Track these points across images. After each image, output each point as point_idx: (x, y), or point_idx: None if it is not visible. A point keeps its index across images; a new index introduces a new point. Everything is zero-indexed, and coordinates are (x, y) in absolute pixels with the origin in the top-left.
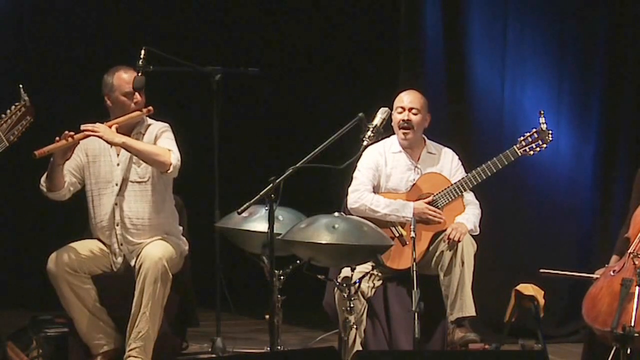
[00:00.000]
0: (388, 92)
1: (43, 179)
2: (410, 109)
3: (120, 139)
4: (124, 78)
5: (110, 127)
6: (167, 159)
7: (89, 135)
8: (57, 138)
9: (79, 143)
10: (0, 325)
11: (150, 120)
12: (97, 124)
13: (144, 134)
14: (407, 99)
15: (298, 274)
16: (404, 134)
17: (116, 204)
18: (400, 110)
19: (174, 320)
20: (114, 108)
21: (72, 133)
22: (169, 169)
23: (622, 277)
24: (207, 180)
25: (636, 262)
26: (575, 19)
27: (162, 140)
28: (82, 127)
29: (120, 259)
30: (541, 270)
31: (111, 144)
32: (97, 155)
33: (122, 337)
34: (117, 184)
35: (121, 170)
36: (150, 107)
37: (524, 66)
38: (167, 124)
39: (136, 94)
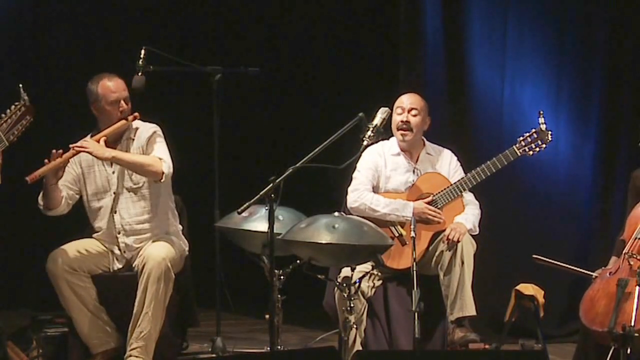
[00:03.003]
0: (388, 92)
1: (40, 198)
2: (409, 110)
3: (110, 153)
4: (108, 86)
5: (98, 140)
6: (159, 168)
7: (78, 152)
8: (46, 160)
9: (68, 162)
10: (0, 325)
11: (138, 123)
12: (86, 140)
13: (133, 139)
14: (407, 100)
15: (298, 274)
16: (402, 135)
17: (115, 212)
18: (399, 111)
19: (174, 320)
20: (100, 117)
21: (60, 152)
22: (161, 178)
23: (617, 278)
24: (207, 180)
25: (631, 263)
26: (574, 19)
27: (153, 147)
28: (71, 146)
29: (121, 265)
30: (534, 256)
31: (101, 159)
32: (91, 165)
33: (122, 337)
34: (114, 193)
35: (117, 179)
36: (137, 114)
37: (523, 66)
38: (156, 126)
39: (122, 102)
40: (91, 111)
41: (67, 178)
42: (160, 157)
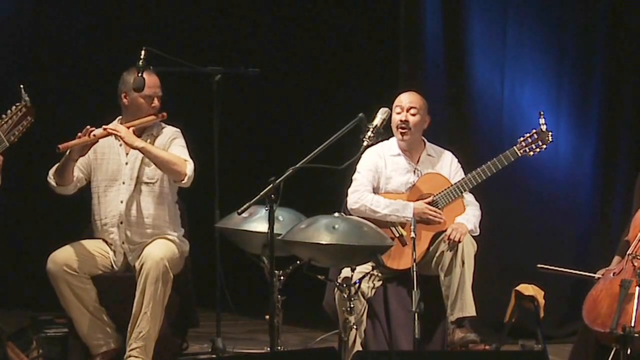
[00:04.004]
0: (388, 92)
1: (52, 172)
2: (408, 109)
3: (140, 143)
4: (146, 80)
5: (128, 128)
6: (183, 169)
7: (110, 134)
8: (80, 134)
9: (98, 141)
10: (0, 325)
11: (163, 124)
12: (118, 125)
13: (156, 137)
14: (406, 99)
15: (298, 274)
16: (401, 134)
17: (122, 202)
18: (398, 110)
19: (174, 320)
20: (129, 108)
21: (93, 129)
22: (183, 179)
23: (621, 279)
24: (207, 181)
25: (635, 264)
26: (574, 19)
27: (176, 149)
28: (104, 127)
29: (120, 257)
30: (539, 266)
31: (131, 146)
32: (105, 153)
33: (122, 337)
34: (124, 183)
35: (129, 170)
36: (165, 113)
37: (523, 67)
38: (178, 130)
39: (155, 98)
40: (120, 100)
41: (80, 160)
42: (185, 158)
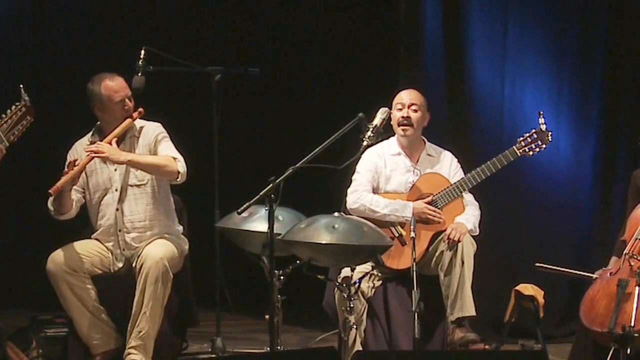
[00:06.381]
0: (388, 92)
1: (50, 202)
2: (409, 106)
3: (126, 157)
4: (112, 87)
5: (110, 142)
6: (174, 168)
7: (94, 158)
8: (65, 170)
9: (85, 168)
10: (0, 326)
11: (142, 122)
12: (101, 144)
13: (138, 137)
14: (407, 96)
15: (298, 274)
16: (403, 130)
17: (117, 209)
18: (399, 107)
19: (174, 320)
20: (104, 117)
21: (76, 159)
22: (177, 177)
23: (618, 278)
24: (207, 180)
25: (632, 263)
26: (575, 19)
27: (163, 147)
28: (86, 150)
29: (120, 264)
30: (537, 265)
31: (118, 163)
32: (92, 164)
33: (122, 337)
34: (116, 190)
35: (120, 175)
36: (141, 109)
37: (523, 66)
38: (160, 125)
39: (126, 100)
40: (92, 111)
41: None
42: (174, 156)
